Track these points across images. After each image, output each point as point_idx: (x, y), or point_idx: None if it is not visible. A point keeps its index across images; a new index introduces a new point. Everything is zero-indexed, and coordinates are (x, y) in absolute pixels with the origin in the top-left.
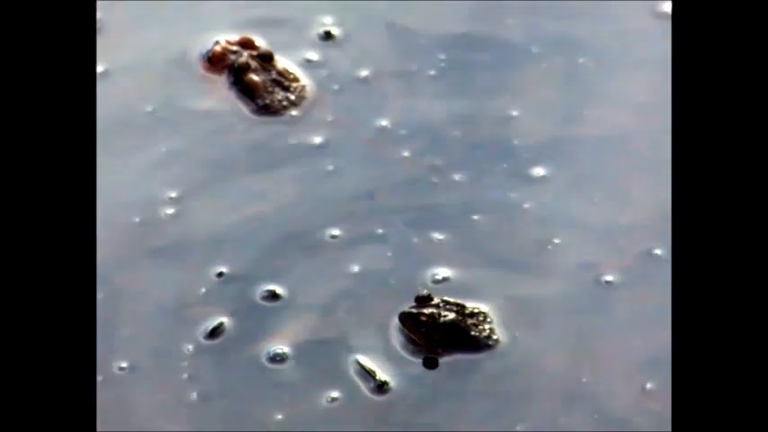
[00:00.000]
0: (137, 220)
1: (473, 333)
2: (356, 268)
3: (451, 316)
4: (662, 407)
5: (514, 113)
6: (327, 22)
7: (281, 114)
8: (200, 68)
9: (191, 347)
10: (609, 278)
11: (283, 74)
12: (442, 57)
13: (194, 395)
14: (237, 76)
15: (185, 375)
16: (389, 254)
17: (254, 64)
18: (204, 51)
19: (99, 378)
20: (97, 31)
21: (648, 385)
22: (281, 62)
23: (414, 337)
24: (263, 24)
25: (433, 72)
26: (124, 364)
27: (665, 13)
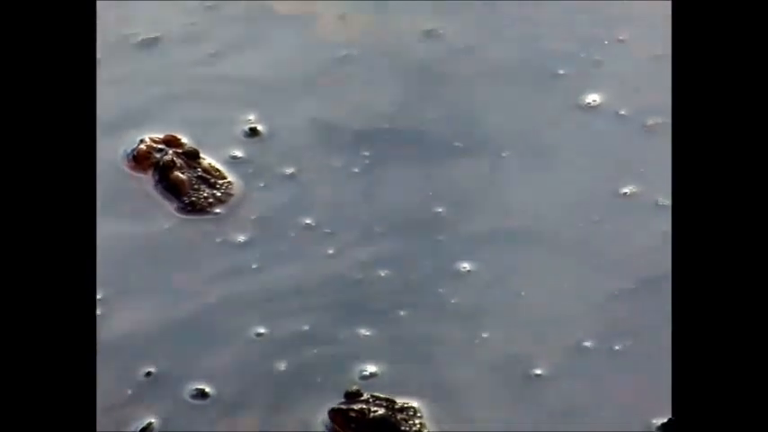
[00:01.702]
0: None
1: (403, 428)
2: (283, 366)
3: (381, 411)
4: None
5: (439, 209)
6: (252, 119)
7: (207, 212)
8: (125, 167)
9: None
10: (538, 371)
11: (209, 171)
12: (367, 153)
13: None
14: (163, 174)
15: None
16: (316, 350)
17: (179, 161)
18: (129, 150)
19: None
20: None
21: None
22: (207, 159)
23: None
24: (188, 122)
25: (357, 169)
26: None
27: (588, 106)
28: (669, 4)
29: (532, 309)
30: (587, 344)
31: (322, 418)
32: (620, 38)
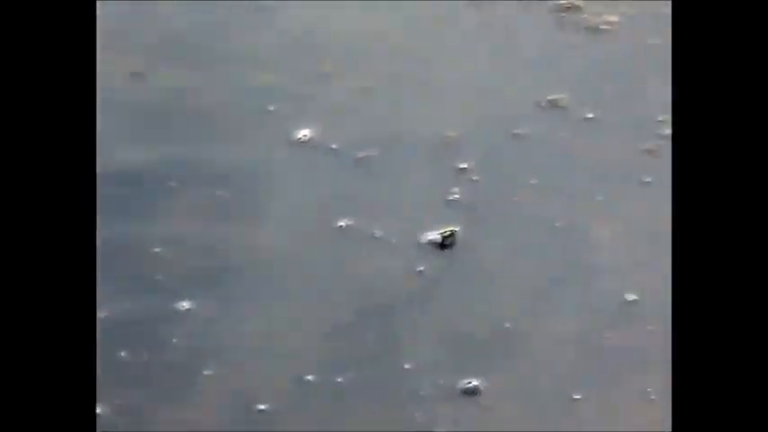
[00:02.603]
0: None
1: None
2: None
3: None
4: None
5: (157, 249)
6: None
7: None
8: None
9: None
10: (262, 407)
11: None
12: None
13: None
14: None
15: None
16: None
17: None
18: None
19: None
20: None
21: None
22: None
23: None
24: None
25: None
26: None
27: (300, 141)
28: (375, 35)
29: (253, 344)
30: (310, 377)
31: None
32: (326, 71)
